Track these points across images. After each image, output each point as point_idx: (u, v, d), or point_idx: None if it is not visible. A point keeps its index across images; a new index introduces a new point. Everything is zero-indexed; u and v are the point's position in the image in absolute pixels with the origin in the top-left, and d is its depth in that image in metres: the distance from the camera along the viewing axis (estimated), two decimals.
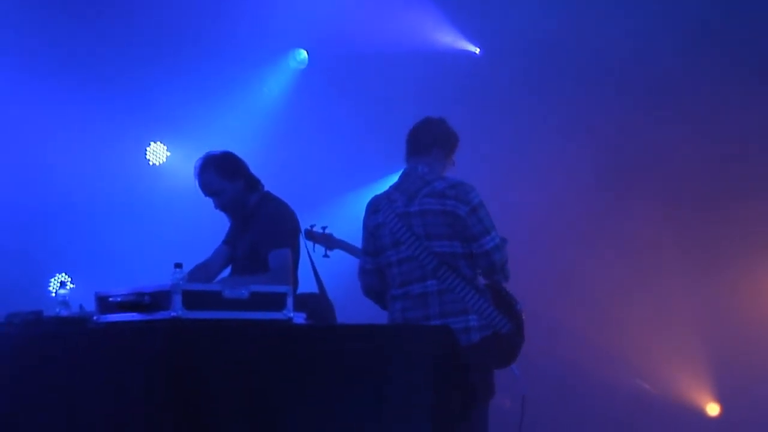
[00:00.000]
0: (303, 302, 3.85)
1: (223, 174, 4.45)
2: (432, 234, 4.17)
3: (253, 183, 4.55)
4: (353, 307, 4.80)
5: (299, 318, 3.24)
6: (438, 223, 4.16)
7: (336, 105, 7.22)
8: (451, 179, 4.27)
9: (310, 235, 5.22)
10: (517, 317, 4.25)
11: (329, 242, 5.26)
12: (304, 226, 4.58)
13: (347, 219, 6.74)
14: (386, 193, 4.36)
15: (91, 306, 3.28)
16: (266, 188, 4.61)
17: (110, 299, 3.07)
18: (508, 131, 7.09)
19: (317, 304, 4.39)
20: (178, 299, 2.88)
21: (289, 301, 3.10)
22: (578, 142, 6.97)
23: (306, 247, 4.53)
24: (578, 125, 7.01)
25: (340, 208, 7.19)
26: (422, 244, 4.16)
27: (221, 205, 4.52)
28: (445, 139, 4.39)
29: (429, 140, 4.35)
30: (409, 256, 4.20)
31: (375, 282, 4.39)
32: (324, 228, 5.27)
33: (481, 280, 4.27)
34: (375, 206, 4.36)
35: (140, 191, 6.83)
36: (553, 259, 6.92)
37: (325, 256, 5.22)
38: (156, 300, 2.93)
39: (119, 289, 3.08)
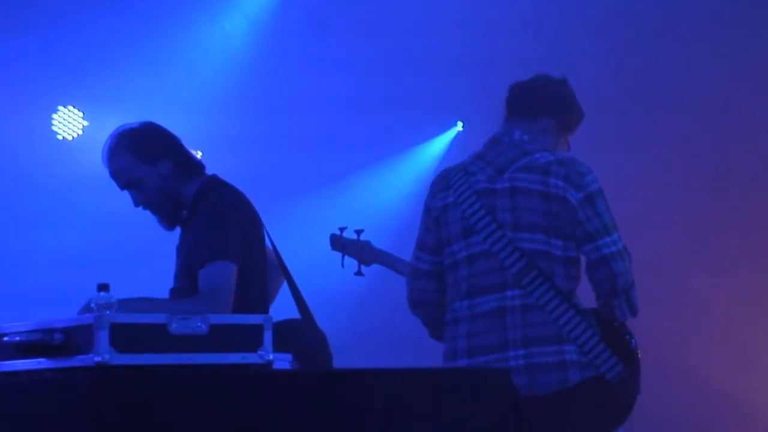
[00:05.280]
0: (280, 334, 3.81)
1: (141, 155, 4.39)
2: (522, 223, 4.14)
3: (189, 165, 4.47)
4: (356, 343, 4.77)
5: (283, 361, 3.25)
6: (534, 209, 4.13)
7: (327, 50, 7.21)
8: (561, 154, 4.26)
9: (338, 244, 5.24)
10: (632, 357, 4.19)
11: (365, 253, 5.26)
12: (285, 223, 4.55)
13: (346, 212, 6.74)
14: (464, 164, 4.34)
15: None
16: (215, 172, 4.52)
17: (5, 339, 3.06)
18: (590, 86, 7.05)
19: (299, 336, 4.30)
20: (104, 337, 2.86)
21: (267, 336, 3.10)
22: (685, 112, 6.97)
23: (279, 256, 4.45)
24: (683, 88, 7.00)
25: (336, 197, 7.19)
26: (506, 235, 4.13)
27: (143, 201, 4.45)
28: (563, 109, 4.39)
29: (539, 104, 4.35)
30: (484, 252, 4.16)
31: (431, 288, 4.36)
32: (358, 233, 5.26)
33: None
34: (445, 181, 4.34)
35: (47, 178, 6.84)
36: (659, 275, 6.87)
37: (358, 273, 5.26)
38: (71, 339, 2.92)
39: (18, 323, 3.07)
